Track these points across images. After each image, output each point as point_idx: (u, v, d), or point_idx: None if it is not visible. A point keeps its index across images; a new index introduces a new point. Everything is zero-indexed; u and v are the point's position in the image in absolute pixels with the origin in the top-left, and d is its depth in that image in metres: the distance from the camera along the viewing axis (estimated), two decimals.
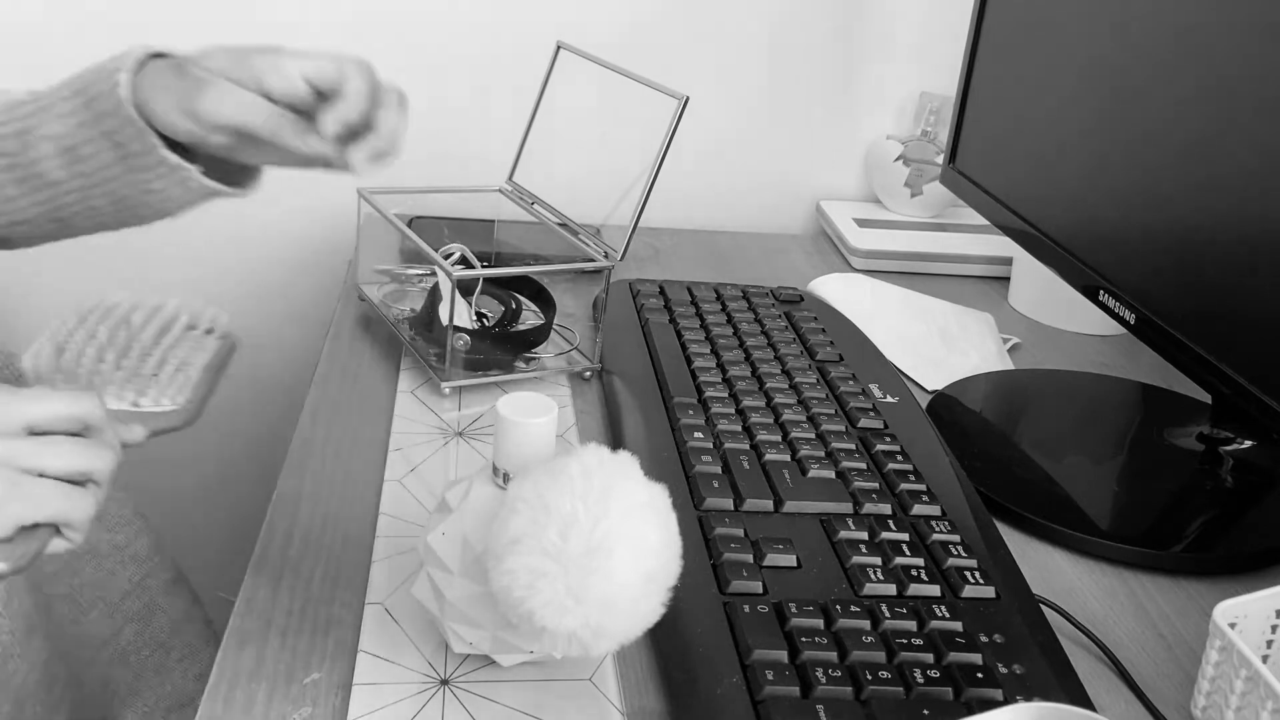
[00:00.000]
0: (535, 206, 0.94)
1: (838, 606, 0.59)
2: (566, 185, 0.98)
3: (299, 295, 1.32)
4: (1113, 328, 1.06)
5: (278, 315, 1.33)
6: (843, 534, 0.66)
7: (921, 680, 0.55)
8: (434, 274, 0.94)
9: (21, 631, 0.76)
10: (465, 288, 0.88)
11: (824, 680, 0.54)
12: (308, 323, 1.32)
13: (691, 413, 0.77)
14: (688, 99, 0.80)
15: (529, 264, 0.90)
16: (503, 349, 0.88)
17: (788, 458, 0.73)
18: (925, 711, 0.54)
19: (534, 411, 0.54)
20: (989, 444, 0.84)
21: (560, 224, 0.90)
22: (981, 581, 0.63)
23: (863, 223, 1.26)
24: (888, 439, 0.76)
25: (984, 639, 0.59)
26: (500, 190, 0.99)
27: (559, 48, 0.93)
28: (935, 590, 0.62)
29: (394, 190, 0.95)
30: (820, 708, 0.53)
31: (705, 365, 0.84)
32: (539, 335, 0.89)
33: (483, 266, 0.87)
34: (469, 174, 1.09)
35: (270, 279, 1.32)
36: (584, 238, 0.88)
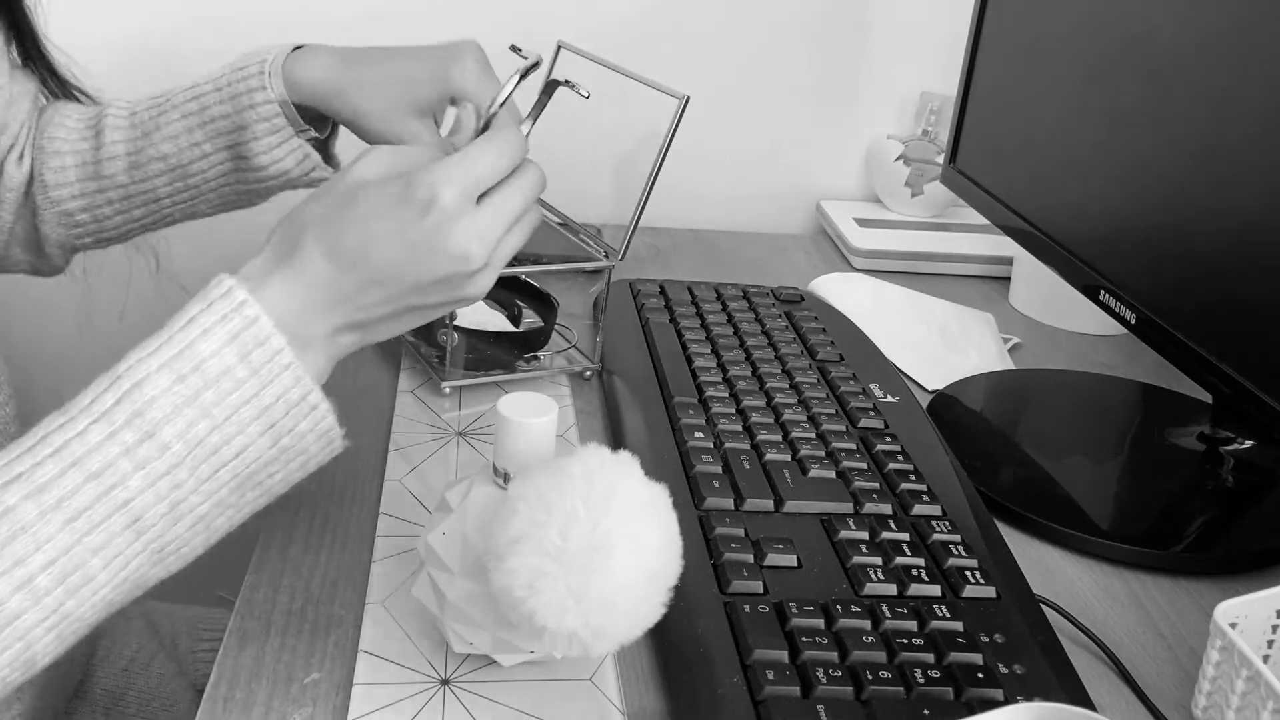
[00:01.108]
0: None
1: (838, 606, 0.59)
2: (567, 185, 0.98)
3: None
4: (1113, 328, 1.05)
5: None
6: (843, 534, 0.66)
7: (922, 680, 0.55)
8: None
9: None
10: None
11: (824, 680, 0.54)
12: None
13: (692, 412, 0.77)
14: (688, 99, 0.80)
15: (529, 264, 0.90)
16: (503, 349, 0.87)
17: (788, 457, 0.72)
18: (926, 711, 0.54)
19: (534, 411, 0.54)
20: (989, 444, 0.84)
21: (560, 223, 0.90)
22: (982, 581, 0.63)
23: (863, 222, 1.26)
24: (888, 439, 0.76)
25: (984, 639, 0.59)
26: None
27: (559, 47, 0.93)
28: (936, 590, 0.62)
29: None
30: (821, 708, 0.53)
31: (706, 365, 0.84)
32: (540, 336, 0.89)
33: None
34: None
35: None
36: (584, 237, 0.88)
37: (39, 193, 0.82)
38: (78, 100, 0.86)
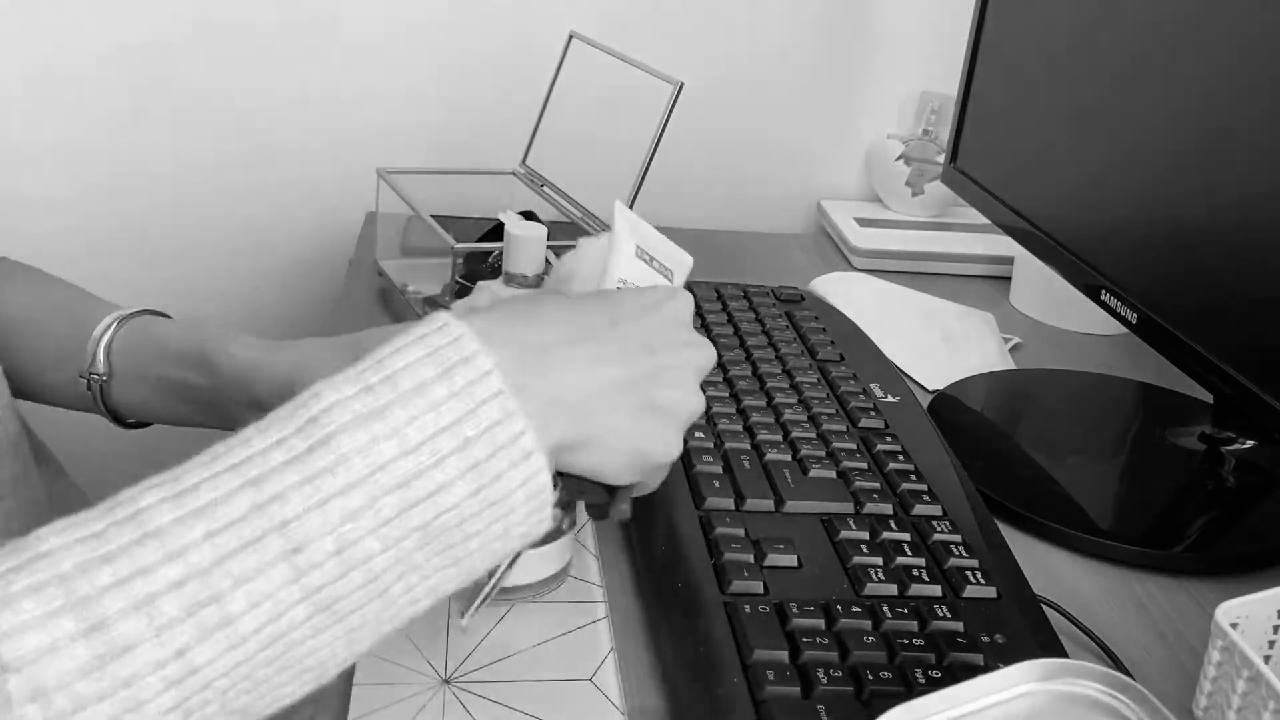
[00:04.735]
0: (545, 189, 0.94)
1: (839, 606, 0.59)
2: (576, 170, 0.99)
3: (297, 296, 1.32)
4: (1114, 327, 1.05)
5: (276, 317, 1.33)
6: (844, 534, 0.66)
7: (923, 680, 0.55)
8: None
9: None
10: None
11: (825, 680, 0.54)
12: (307, 323, 1.32)
13: None
14: (682, 85, 0.80)
15: None
16: None
17: (789, 457, 0.72)
18: None
19: (532, 229, 0.65)
20: (990, 444, 0.84)
21: (568, 205, 0.91)
22: (983, 581, 0.63)
23: (864, 222, 1.25)
24: (889, 439, 0.76)
25: (985, 639, 0.59)
26: (514, 173, 1.01)
27: (571, 37, 0.94)
28: (936, 590, 0.62)
29: (411, 170, 0.98)
30: (821, 708, 0.53)
31: None
32: None
33: (489, 264, 0.88)
34: (485, 157, 1.12)
35: (268, 280, 1.32)
36: (592, 229, 0.89)
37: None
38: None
